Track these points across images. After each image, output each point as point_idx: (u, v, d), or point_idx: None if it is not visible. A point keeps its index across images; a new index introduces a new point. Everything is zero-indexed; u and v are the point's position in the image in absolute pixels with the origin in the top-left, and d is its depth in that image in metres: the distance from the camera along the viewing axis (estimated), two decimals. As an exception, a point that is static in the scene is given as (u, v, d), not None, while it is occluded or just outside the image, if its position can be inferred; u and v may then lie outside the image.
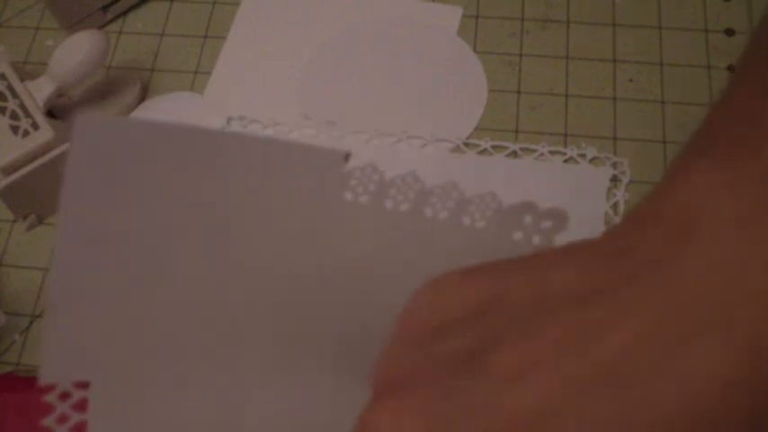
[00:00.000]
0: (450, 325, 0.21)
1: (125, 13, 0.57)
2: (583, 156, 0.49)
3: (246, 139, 0.23)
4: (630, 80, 0.52)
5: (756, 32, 0.25)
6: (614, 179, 0.48)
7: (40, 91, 0.48)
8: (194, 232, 0.24)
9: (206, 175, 0.23)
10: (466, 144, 0.50)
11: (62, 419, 0.24)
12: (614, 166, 0.48)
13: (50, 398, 0.23)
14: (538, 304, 0.20)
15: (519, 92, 0.52)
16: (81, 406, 0.23)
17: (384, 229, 0.25)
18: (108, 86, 0.52)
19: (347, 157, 0.24)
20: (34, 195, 0.48)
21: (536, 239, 0.25)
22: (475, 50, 0.54)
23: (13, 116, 0.46)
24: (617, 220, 0.47)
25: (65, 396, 0.23)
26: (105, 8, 0.56)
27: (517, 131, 0.50)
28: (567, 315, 0.19)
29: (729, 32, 0.53)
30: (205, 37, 0.56)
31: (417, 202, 0.25)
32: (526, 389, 0.18)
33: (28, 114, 0.47)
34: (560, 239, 0.25)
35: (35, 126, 0.46)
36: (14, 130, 0.46)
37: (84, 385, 0.23)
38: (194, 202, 0.23)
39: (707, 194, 0.19)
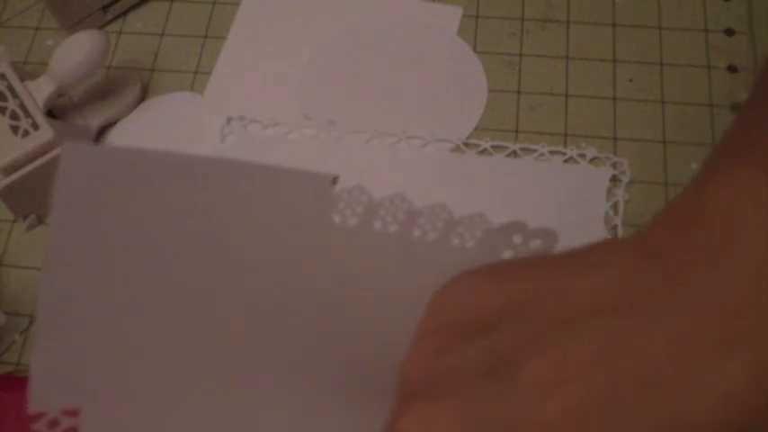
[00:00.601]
0: (479, 327, 0.21)
1: (125, 13, 0.57)
2: (583, 156, 0.49)
3: (233, 164, 0.23)
4: (630, 80, 0.52)
5: None
6: (614, 179, 0.48)
7: (40, 91, 0.48)
8: (183, 258, 0.24)
9: (192, 202, 0.23)
10: (466, 144, 0.50)
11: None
12: (614, 166, 0.48)
13: (39, 426, 0.23)
14: (568, 312, 0.20)
15: (519, 92, 0.52)
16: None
17: (373, 250, 0.25)
18: (108, 86, 0.52)
19: (335, 180, 0.24)
20: (34, 195, 0.48)
21: None
22: (475, 50, 0.54)
23: (13, 116, 0.46)
24: (617, 220, 0.47)
25: (54, 424, 0.23)
26: (105, 8, 0.56)
27: (517, 131, 0.50)
28: (597, 324, 0.19)
29: (729, 32, 0.53)
30: (205, 37, 0.56)
31: (406, 224, 0.25)
32: (557, 402, 0.18)
33: (28, 114, 0.47)
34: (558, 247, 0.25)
35: (35, 126, 0.46)
36: (14, 130, 0.46)
37: (73, 413, 0.23)
38: (182, 228, 0.23)
39: (749, 200, 0.19)
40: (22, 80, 0.48)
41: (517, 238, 0.25)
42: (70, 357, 0.23)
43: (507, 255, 0.25)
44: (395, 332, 0.25)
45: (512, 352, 0.20)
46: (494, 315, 0.21)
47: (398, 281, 0.25)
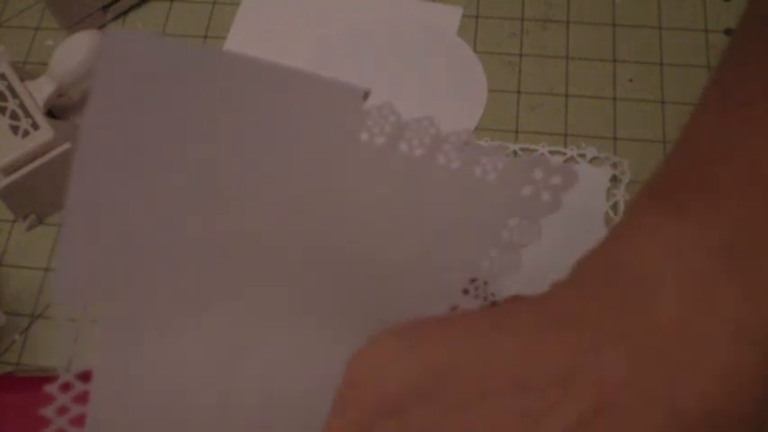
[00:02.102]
0: (393, 405, 0.21)
1: (125, 13, 0.57)
2: (583, 156, 0.49)
3: (266, 66, 0.23)
4: (630, 80, 0.52)
5: (730, 43, 0.24)
6: (614, 179, 0.48)
7: (40, 91, 0.48)
8: (212, 163, 0.23)
9: (225, 102, 0.23)
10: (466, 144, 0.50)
11: (62, 411, 0.23)
12: (614, 166, 0.48)
13: (51, 389, 0.23)
14: (480, 386, 0.20)
15: (519, 92, 0.52)
16: (82, 398, 0.23)
17: (398, 173, 0.25)
18: (108, 86, 0.52)
19: (366, 95, 0.24)
20: (34, 195, 0.48)
21: (545, 196, 0.25)
22: (475, 50, 0.54)
23: (13, 116, 0.46)
24: (617, 219, 0.47)
25: (66, 387, 0.23)
26: (105, 8, 0.56)
27: (517, 131, 0.50)
28: (508, 401, 0.19)
29: (729, 32, 0.53)
30: (205, 37, 0.56)
31: (431, 149, 0.24)
32: None
33: (28, 114, 0.47)
34: (568, 197, 0.25)
35: (35, 126, 0.46)
36: (14, 130, 0.46)
37: (85, 377, 0.23)
38: (212, 130, 0.23)
39: (663, 252, 0.19)
40: (22, 80, 0.48)
41: (538, 173, 0.24)
42: (94, 254, 0.23)
43: (527, 190, 0.25)
44: (410, 262, 0.25)
45: (426, 428, 0.20)
46: (407, 392, 0.21)
47: (420, 206, 0.25)
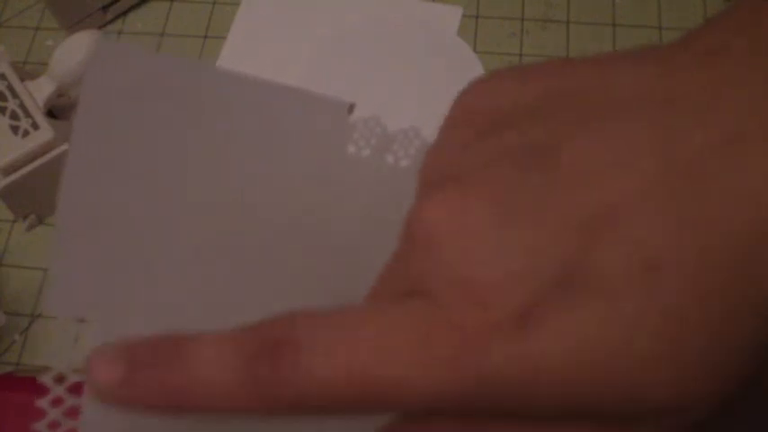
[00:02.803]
0: (514, 114, 0.18)
1: (125, 13, 0.57)
2: (583, 156, 0.49)
3: (252, 82, 0.23)
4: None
5: None
6: (614, 179, 0.48)
7: (40, 91, 0.48)
8: (198, 175, 0.23)
9: (212, 117, 0.23)
10: (466, 144, 0.50)
11: (54, 425, 0.23)
12: (614, 166, 0.48)
13: (42, 403, 0.23)
14: (615, 103, 0.17)
15: (519, 92, 0.52)
16: (73, 412, 0.23)
17: (385, 184, 0.25)
18: (108, 86, 0.52)
19: (351, 108, 0.24)
20: (34, 195, 0.48)
21: None
22: (475, 50, 0.54)
23: (13, 116, 0.46)
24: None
25: (54, 425, 0.23)
26: (105, 8, 0.56)
27: (517, 131, 0.50)
28: (647, 114, 0.16)
29: (729, 32, 0.53)
30: (205, 37, 0.56)
31: (418, 159, 0.24)
32: (601, 191, 0.16)
33: (28, 114, 0.47)
34: None
35: (35, 126, 0.46)
36: (14, 130, 0.46)
37: (77, 390, 0.23)
38: (199, 143, 0.23)
39: None
40: (22, 80, 0.48)
41: None
42: (88, 264, 0.23)
43: None
44: None
45: (553, 137, 0.17)
46: (530, 106, 0.18)
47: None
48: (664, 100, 0.17)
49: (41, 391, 0.23)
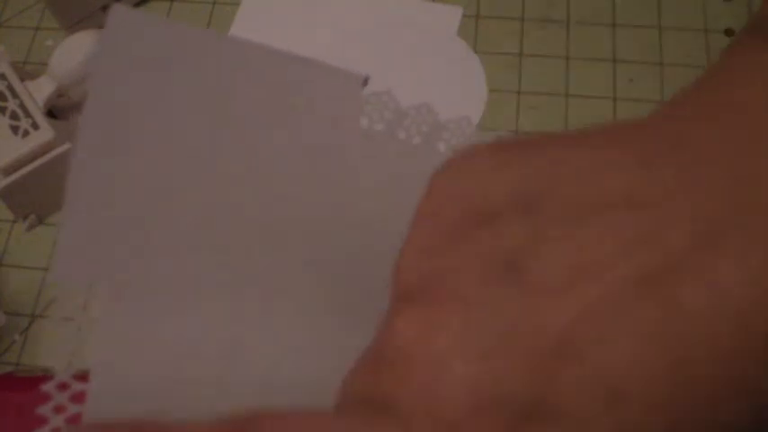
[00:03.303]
0: (484, 215, 0.18)
1: (125, 13, 0.57)
2: (583, 156, 0.49)
3: (266, 50, 0.23)
4: (630, 80, 0.52)
5: None
6: (614, 179, 0.48)
7: (40, 91, 0.48)
8: (211, 146, 0.23)
9: (225, 85, 0.23)
10: (466, 144, 0.50)
11: (59, 409, 0.23)
12: (614, 166, 0.48)
13: (48, 388, 0.23)
14: (590, 200, 0.17)
15: (519, 92, 0.52)
16: (79, 397, 0.23)
17: (397, 159, 0.24)
18: (108, 86, 0.52)
19: (365, 81, 0.24)
20: (34, 195, 0.48)
21: None
22: (475, 50, 0.54)
23: (13, 116, 0.46)
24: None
25: (63, 386, 0.23)
26: (105, 8, 0.56)
27: (517, 131, 0.50)
28: (620, 215, 0.16)
29: (729, 32, 0.53)
30: (205, 37, 0.56)
31: (429, 137, 0.24)
32: (573, 301, 0.16)
33: (28, 114, 0.47)
34: None
35: (35, 126, 0.46)
36: (14, 130, 0.46)
37: (83, 378, 0.23)
38: (214, 115, 0.23)
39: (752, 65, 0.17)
40: (22, 80, 0.48)
41: None
42: (95, 235, 0.23)
43: None
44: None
45: (521, 244, 0.17)
46: (501, 201, 0.18)
47: (417, 195, 0.25)
48: (639, 203, 0.16)
49: (43, 398, 0.23)
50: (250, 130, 0.23)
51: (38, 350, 0.46)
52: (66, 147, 0.47)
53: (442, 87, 0.52)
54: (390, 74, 0.53)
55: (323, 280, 0.25)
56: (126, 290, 0.24)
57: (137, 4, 0.57)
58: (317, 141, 0.24)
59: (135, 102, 0.22)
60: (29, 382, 0.42)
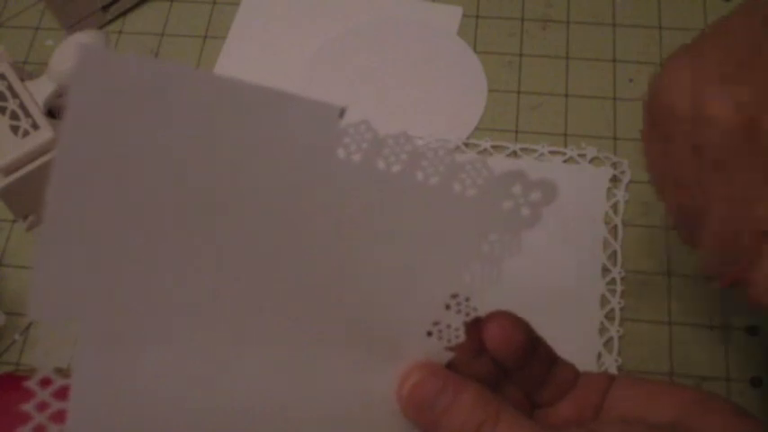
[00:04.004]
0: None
1: (125, 13, 0.57)
2: (583, 156, 0.49)
3: (240, 86, 0.23)
4: (630, 80, 0.52)
5: None
6: (614, 179, 0.48)
7: (40, 91, 0.48)
8: (188, 181, 0.23)
9: (199, 121, 0.23)
10: (466, 144, 0.50)
11: (42, 406, 0.23)
12: (614, 166, 0.48)
13: (31, 384, 0.23)
14: None
15: (519, 92, 0.52)
16: (62, 394, 0.23)
17: (375, 190, 0.25)
18: (108, 86, 0.52)
19: (342, 112, 0.24)
20: (34, 195, 0.48)
21: (525, 211, 0.25)
22: (475, 50, 0.54)
23: (13, 116, 0.46)
24: (617, 220, 0.47)
25: (45, 383, 0.23)
26: (105, 8, 0.56)
27: (517, 131, 0.50)
28: None
29: (729, 32, 0.53)
30: (205, 37, 0.56)
31: (409, 165, 0.24)
32: None
33: (28, 114, 0.47)
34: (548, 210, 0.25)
35: (35, 126, 0.46)
36: (14, 130, 0.46)
37: (65, 374, 0.23)
38: (186, 148, 0.23)
39: None
40: (22, 80, 0.48)
41: (517, 189, 0.25)
42: (71, 269, 0.23)
43: (507, 205, 0.25)
44: (390, 278, 0.25)
45: None
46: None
47: (398, 225, 0.25)
48: None
49: (26, 395, 0.23)
50: (223, 165, 0.23)
51: (38, 350, 0.46)
52: (66, 147, 0.47)
53: (442, 87, 0.52)
54: (390, 74, 0.53)
55: (301, 306, 0.25)
56: (108, 312, 0.24)
57: (135, 6, 0.57)
58: (291, 175, 0.24)
59: (108, 137, 0.22)
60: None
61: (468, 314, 0.25)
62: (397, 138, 0.24)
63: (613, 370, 0.42)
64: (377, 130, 0.24)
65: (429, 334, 0.26)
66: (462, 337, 0.26)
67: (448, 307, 0.25)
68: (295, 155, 0.24)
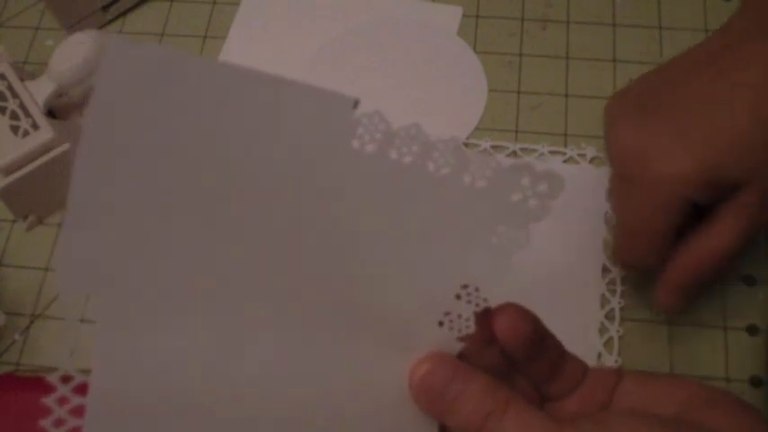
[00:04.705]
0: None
1: (125, 13, 0.57)
2: (583, 156, 0.49)
3: (258, 76, 0.24)
4: (630, 80, 0.52)
5: None
6: (614, 179, 0.48)
7: (40, 91, 0.48)
8: (206, 169, 0.24)
9: (217, 111, 0.23)
10: (466, 144, 0.50)
11: (59, 423, 0.24)
12: (614, 166, 0.48)
13: (49, 401, 0.24)
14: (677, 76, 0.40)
15: (519, 92, 0.52)
16: (78, 412, 0.23)
17: (388, 180, 0.25)
18: (108, 86, 0.52)
19: (356, 103, 0.24)
20: (34, 195, 0.48)
21: (532, 203, 0.25)
22: (475, 50, 0.54)
23: (13, 116, 0.47)
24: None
25: (59, 423, 0.23)
26: (105, 8, 0.56)
27: (517, 131, 0.50)
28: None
29: (729, 32, 0.53)
30: (205, 37, 0.56)
31: (420, 156, 0.25)
32: None
33: (28, 114, 0.47)
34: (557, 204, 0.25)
35: (35, 126, 0.46)
36: (14, 130, 0.46)
37: (82, 391, 0.23)
38: (205, 137, 0.23)
39: None
40: (22, 80, 0.48)
41: (525, 181, 0.25)
42: (97, 245, 0.23)
43: (516, 197, 0.25)
44: (401, 268, 0.25)
45: None
46: None
47: (409, 215, 0.25)
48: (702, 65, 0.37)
49: (47, 389, 0.23)
50: (240, 154, 0.24)
51: (38, 350, 0.46)
52: (66, 147, 0.47)
53: (442, 87, 0.52)
54: (390, 74, 0.53)
55: (312, 297, 0.26)
56: (126, 295, 0.24)
57: (135, 6, 0.57)
58: (307, 164, 0.24)
59: (132, 126, 0.23)
60: (29, 382, 0.42)
61: (477, 304, 0.26)
62: (408, 129, 0.25)
63: (613, 370, 0.42)
64: (389, 122, 0.24)
65: (440, 324, 0.26)
66: (472, 328, 0.26)
67: (458, 297, 0.26)
68: (310, 145, 0.24)
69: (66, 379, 0.24)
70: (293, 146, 0.24)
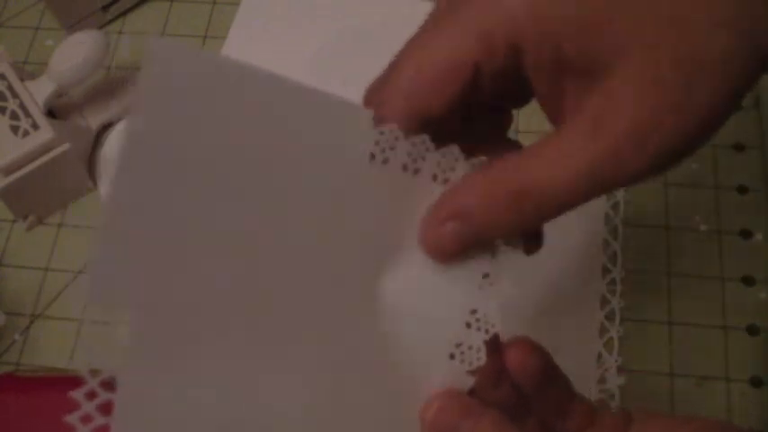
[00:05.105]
0: None
1: (125, 13, 0.57)
2: (583, 156, 0.49)
3: (285, 84, 0.24)
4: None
5: None
6: (614, 179, 0.48)
7: (40, 91, 0.48)
8: (231, 176, 0.23)
9: (247, 120, 0.23)
10: (466, 144, 0.50)
11: (87, 419, 0.23)
12: (614, 166, 0.48)
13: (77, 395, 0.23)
14: None
15: (519, 92, 0.52)
16: (106, 408, 0.23)
17: (404, 192, 0.25)
18: (108, 86, 0.52)
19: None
20: (34, 195, 0.48)
21: None
22: (475, 50, 0.54)
23: (13, 116, 0.47)
24: (617, 220, 0.47)
25: (91, 395, 0.23)
26: (105, 8, 0.56)
27: (517, 132, 0.50)
28: None
29: (729, 32, 0.52)
30: (205, 37, 0.56)
31: (428, 167, 0.25)
32: None
33: (28, 114, 0.47)
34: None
35: (35, 126, 0.46)
36: (14, 130, 0.46)
37: (109, 386, 0.23)
38: (235, 146, 0.23)
39: None
40: (22, 80, 0.48)
41: None
42: (130, 258, 0.23)
43: None
44: (414, 293, 0.25)
45: None
46: None
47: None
48: None
49: (75, 383, 0.23)
50: (267, 164, 0.24)
51: (38, 350, 0.46)
52: (66, 147, 0.47)
53: (442, 87, 0.52)
54: (390, 74, 0.53)
55: (327, 321, 0.25)
56: (154, 317, 0.23)
57: (135, 6, 0.57)
58: (326, 174, 0.24)
59: (171, 131, 0.22)
60: (29, 383, 0.42)
61: (487, 331, 0.26)
62: (424, 140, 0.25)
63: (613, 370, 0.42)
64: (403, 133, 0.25)
65: (451, 357, 0.26)
66: (483, 359, 0.26)
67: (468, 325, 0.26)
68: (331, 156, 0.24)
69: (94, 373, 0.24)
70: (314, 156, 0.24)
